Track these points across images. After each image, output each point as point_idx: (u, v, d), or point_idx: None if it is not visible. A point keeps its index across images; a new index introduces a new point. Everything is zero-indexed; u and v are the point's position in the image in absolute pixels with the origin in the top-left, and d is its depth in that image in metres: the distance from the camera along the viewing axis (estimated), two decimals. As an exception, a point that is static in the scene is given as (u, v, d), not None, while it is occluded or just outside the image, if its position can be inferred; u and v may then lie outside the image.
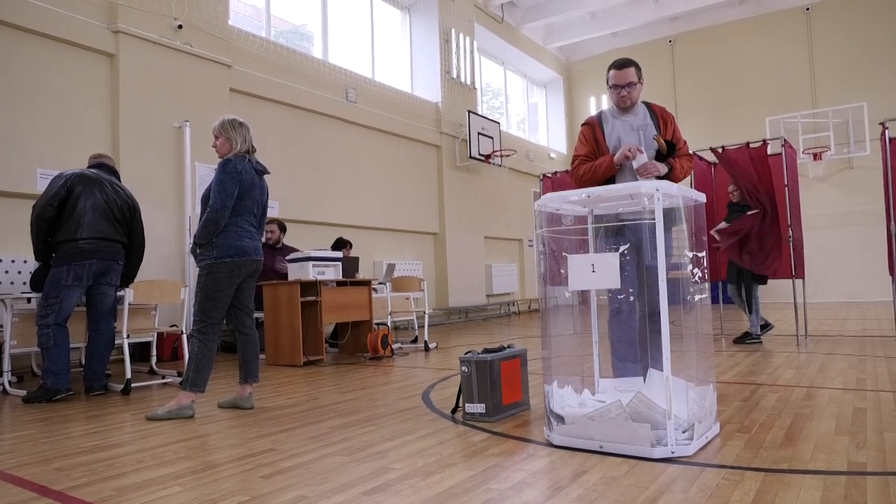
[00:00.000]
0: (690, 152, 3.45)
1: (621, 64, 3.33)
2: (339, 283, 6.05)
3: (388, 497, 1.98)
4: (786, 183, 5.86)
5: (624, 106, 3.32)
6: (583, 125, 3.47)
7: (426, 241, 10.96)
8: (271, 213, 7.82)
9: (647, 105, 3.40)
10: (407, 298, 7.63)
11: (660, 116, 3.36)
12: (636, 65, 3.33)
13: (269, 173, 3.79)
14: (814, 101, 13.13)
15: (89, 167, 4.47)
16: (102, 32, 6.24)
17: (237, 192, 3.48)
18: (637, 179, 3.07)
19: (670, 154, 3.19)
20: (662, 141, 3.17)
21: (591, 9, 13.58)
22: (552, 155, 15.42)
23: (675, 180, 3.19)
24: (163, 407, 3.44)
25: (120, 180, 4.56)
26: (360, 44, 10.28)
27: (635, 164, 3.08)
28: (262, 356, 6.15)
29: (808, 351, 5.25)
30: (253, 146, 3.67)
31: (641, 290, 3.10)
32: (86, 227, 4.17)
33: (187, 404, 3.41)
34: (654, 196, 2.35)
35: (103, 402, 3.96)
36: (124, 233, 4.42)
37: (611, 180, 3.23)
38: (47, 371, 4.05)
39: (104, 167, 4.50)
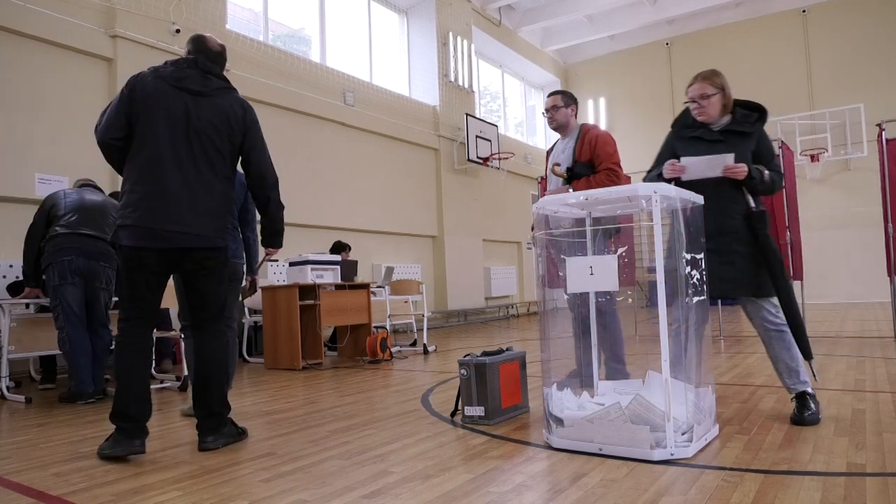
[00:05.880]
0: (613, 167, 3.73)
1: (549, 93, 4.00)
2: (338, 287, 6.04)
3: (387, 500, 1.98)
4: (783, 185, 5.87)
5: (552, 128, 3.97)
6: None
7: (425, 244, 10.96)
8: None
9: (581, 129, 3.85)
10: (406, 301, 7.63)
11: (580, 139, 3.80)
12: (562, 93, 3.92)
13: None
14: (811, 102, 13.16)
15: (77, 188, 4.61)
16: (100, 37, 6.24)
17: None
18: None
19: (569, 179, 3.74)
20: (560, 171, 3.80)
21: (588, 11, 13.61)
22: (550, 157, 15.43)
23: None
24: (186, 404, 3.56)
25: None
26: (357, 47, 10.29)
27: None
28: (261, 360, 6.15)
29: (807, 352, 5.25)
30: None
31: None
32: (63, 224, 4.23)
33: None
34: (652, 198, 2.35)
35: (102, 407, 3.95)
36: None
37: None
38: (70, 375, 4.14)
39: (90, 187, 4.62)
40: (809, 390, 2.80)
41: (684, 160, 2.89)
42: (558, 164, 3.85)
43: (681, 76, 14.69)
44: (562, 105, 3.85)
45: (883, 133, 5.84)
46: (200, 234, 2.70)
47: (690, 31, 14.66)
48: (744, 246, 2.84)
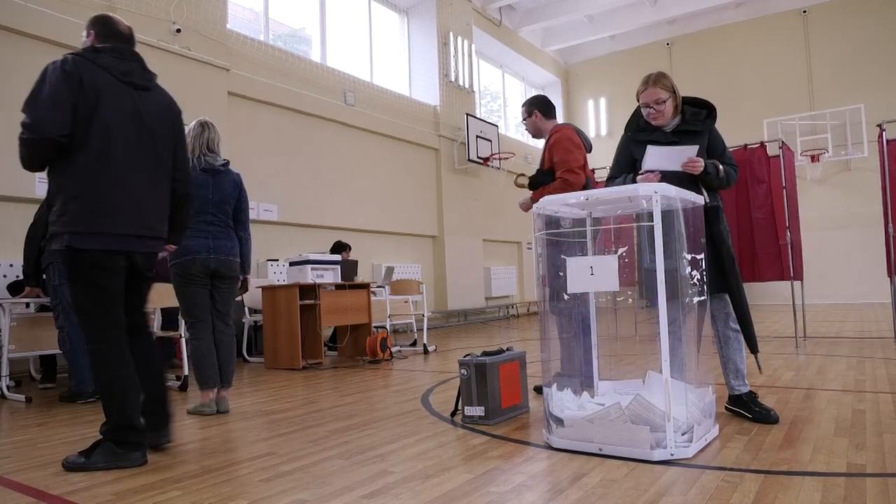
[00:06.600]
0: (565, 176, 3.60)
1: (522, 104, 4.03)
2: (338, 287, 6.04)
3: (387, 500, 1.98)
4: (784, 185, 5.87)
5: (531, 135, 4.04)
6: None
7: (425, 244, 10.96)
8: (269, 216, 7.83)
9: (551, 132, 3.86)
10: (406, 301, 7.63)
11: (546, 144, 3.83)
12: (525, 104, 3.99)
13: (219, 171, 3.67)
14: (811, 103, 13.16)
15: None
16: (101, 36, 6.24)
17: None
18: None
19: (532, 187, 3.78)
20: (522, 180, 3.88)
21: (588, 11, 13.61)
22: (550, 157, 15.41)
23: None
24: (191, 403, 3.68)
25: None
26: (358, 47, 10.29)
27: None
28: (261, 359, 6.15)
29: (807, 353, 5.25)
30: (209, 147, 3.67)
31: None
32: None
33: (206, 402, 3.56)
34: (653, 198, 2.35)
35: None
36: None
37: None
38: (71, 374, 4.16)
39: None
40: (751, 390, 2.96)
41: (649, 149, 2.88)
42: (522, 175, 3.95)
43: (682, 76, 14.68)
44: (526, 116, 3.96)
45: (883, 133, 5.84)
46: (160, 238, 2.67)
47: (691, 32, 14.65)
48: (706, 242, 2.85)
